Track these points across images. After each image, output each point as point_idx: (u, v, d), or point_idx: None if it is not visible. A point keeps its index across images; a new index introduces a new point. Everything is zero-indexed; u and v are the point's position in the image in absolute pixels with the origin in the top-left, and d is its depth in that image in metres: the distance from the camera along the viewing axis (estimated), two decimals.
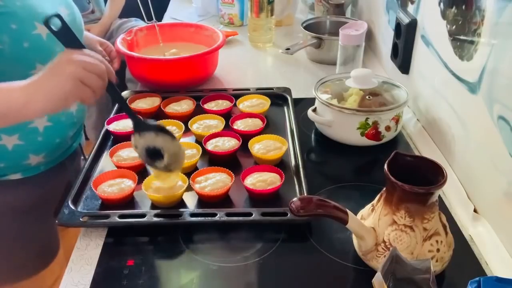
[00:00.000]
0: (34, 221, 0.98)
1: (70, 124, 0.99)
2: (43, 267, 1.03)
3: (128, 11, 2.26)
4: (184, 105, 1.09)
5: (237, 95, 1.13)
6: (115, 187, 0.83)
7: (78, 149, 1.10)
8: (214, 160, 0.93)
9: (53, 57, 0.80)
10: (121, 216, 0.77)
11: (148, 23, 1.36)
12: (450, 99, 0.89)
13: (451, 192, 0.85)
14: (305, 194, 0.81)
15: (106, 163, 0.93)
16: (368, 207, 0.70)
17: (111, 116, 1.06)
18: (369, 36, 1.42)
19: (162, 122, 1.01)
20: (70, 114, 0.98)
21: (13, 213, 0.95)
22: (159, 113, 1.09)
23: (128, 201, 0.83)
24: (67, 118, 0.97)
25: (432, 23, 0.96)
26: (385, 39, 1.28)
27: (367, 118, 0.95)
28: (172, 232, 0.77)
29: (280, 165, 0.90)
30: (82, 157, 1.12)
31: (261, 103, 1.10)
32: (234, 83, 1.30)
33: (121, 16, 2.29)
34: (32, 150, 0.92)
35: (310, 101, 1.07)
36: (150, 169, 0.86)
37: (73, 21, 0.93)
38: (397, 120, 0.98)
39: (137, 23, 2.21)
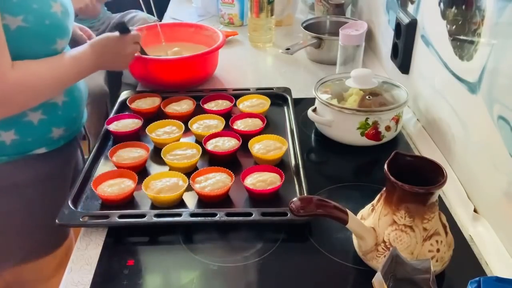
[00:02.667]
0: (50, 195, 1.01)
1: (81, 99, 1.05)
2: (61, 243, 1.07)
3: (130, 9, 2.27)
4: (184, 105, 1.09)
5: (237, 95, 1.13)
6: (115, 187, 0.83)
7: (83, 129, 1.16)
8: (214, 160, 0.93)
9: (68, 31, 0.94)
10: (121, 216, 0.77)
11: (151, 21, 1.37)
12: (450, 99, 0.89)
13: (451, 192, 0.85)
14: (305, 194, 0.81)
15: (106, 163, 0.93)
16: (368, 207, 0.70)
17: (111, 116, 1.06)
18: (369, 36, 1.42)
19: (162, 121, 1.02)
20: (81, 90, 1.04)
21: (32, 187, 0.99)
22: (159, 113, 1.09)
23: (128, 201, 0.83)
24: (79, 94, 1.04)
25: (432, 23, 0.96)
26: (385, 39, 1.28)
27: (367, 118, 0.95)
28: (172, 232, 0.77)
29: (280, 165, 0.90)
30: (87, 138, 1.20)
31: (261, 103, 1.10)
32: (234, 83, 1.30)
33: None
34: (54, 124, 0.97)
35: (310, 101, 1.07)
36: None
37: (69, 2, 0.98)
38: (397, 120, 0.98)
39: (137, 14, 2.22)
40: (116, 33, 1.03)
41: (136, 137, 1.00)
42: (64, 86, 0.95)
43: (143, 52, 1.15)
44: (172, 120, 1.03)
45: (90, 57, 0.96)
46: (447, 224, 0.67)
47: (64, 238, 1.09)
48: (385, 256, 0.64)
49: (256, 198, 0.83)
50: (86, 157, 1.17)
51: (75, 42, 1.19)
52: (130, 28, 1.06)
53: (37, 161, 0.97)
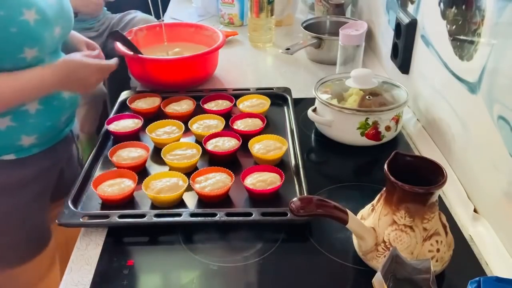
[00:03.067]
0: (25, 202, 1.00)
1: (62, 109, 1.01)
2: (37, 252, 1.04)
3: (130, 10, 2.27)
4: (184, 105, 1.09)
5: (237, 95, 1.13)
6: (115, 187, 0.83)
7: (70, 135, 1.10)
8: (214, 160, 0.93)
9: (41, 41, 0.89)
10: (121, 216, 0.77)
11: (157, 21, 1.37)
12: (450, 99, 0.89)
13: (451, 192, 0.85)
14: (305, 194, 0.81)
15: (106, 163, 0.93)
16: (368, 207, 0.70)
17: (111, 116, 1.06)
18: (369, 36, 1.42)
19: (162, 121, 1.02)
20: (62, 99, 0.99)
21: (5, 193, 0.97)
22: (159, 113, 1.08)
23: (128, 201, 0.83)
24: (59, 103, 0.99)
25: (432, 23, 0.96)
26: (385, 39, 1.28)
27: (367, 118, 0.95)
28: (172, 232, 0.77)
29: (280, 165, 0.90)
30: (75, 144, 1.14)
31: (261, 103, 1.10)
32: (234, 83, 1.30)
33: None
34: (24, 132, 0.94)
35: (310, 101, 1.07)
36: None
37: (60, 9, 0.95)
38: (397, 120, 0.98)
39: (136, 14, 2.22)
40: (87, 59, 0.97)
41: (136, 137, 1.00)
42: (13, 105, 0.89)
43: (137, 51, 1.14)
44: (172, 120, 1.03)
45: (51, 78, 0.91)
46: (447, 224, 0.67)
47: (42, 248, 1.05)
48: (385, 256, 0.64)
49: (256, 198, 0.83)
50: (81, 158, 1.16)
51: None
52: (126, 35, 1.05)
53: (5, 168, 0.95)
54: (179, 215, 0.77)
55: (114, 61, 1.04)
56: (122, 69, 1.18)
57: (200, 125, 1.01)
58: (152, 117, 1.06)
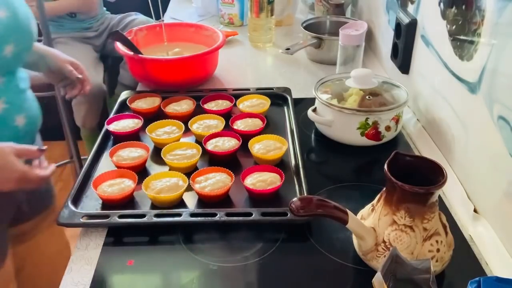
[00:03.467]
0: None
1: (16, 138, 0.85)
2: None
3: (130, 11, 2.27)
4: (184, 105, 1.09)
5: (237, 95, 1.13)
6: (115, 187, 0.83)
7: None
8: (214, 160, 0.93)
9: None
10: (121, 216, 0.77)
11: (156, 21, 1.37)
12: (450, 99, 0.89)
13: (451, 192, 0.85)
14: (305, 194, 0.81)
15: (106, 163, 0.93)
16: (368, 207, 0.70)
17: (111, 116, 1.06)
18: (369, 36, 1.42)
19: (162, 121, 1.02)
20: (15, 128, 0.89)
21: None
22: (159, 113, 1.08)
23: (128, 201, 0.83)
24: (12, 132, 0.88)
25: (432, 23, 0.96)
26: (385, 39, 1.28)
27: (367, 118, 0.95)
28: (172, 232, 0.77)
29: (280, 165, 0.90)
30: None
31: (261, 103, 1.10)
32: (234, 83, 1.30)
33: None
34: None
35: (310, 101, 1.07)
36: None
37: (14, 23, 0.85)
38: (397, 120, 0.98)
39: (137, 17, 2.22)
40: (17, 164, 0.79)
41: (136, 137, 1.00)
42: None
43: (137, 51, 1.14)
44: (172, 120, 1.03)
45: None
46: (447, 224, 0.67)
47: None
48: (385, 256, 0.64)
49: (256, 198, 0.83)
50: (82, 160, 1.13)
51: (64, 78, 1.09)
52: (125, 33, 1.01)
53: None
54: (179, 215, 0.77)
55: (50, 170, 0.86)
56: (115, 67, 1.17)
57: (200, 125, 1.01)
58: (152, 117, 1.06)
